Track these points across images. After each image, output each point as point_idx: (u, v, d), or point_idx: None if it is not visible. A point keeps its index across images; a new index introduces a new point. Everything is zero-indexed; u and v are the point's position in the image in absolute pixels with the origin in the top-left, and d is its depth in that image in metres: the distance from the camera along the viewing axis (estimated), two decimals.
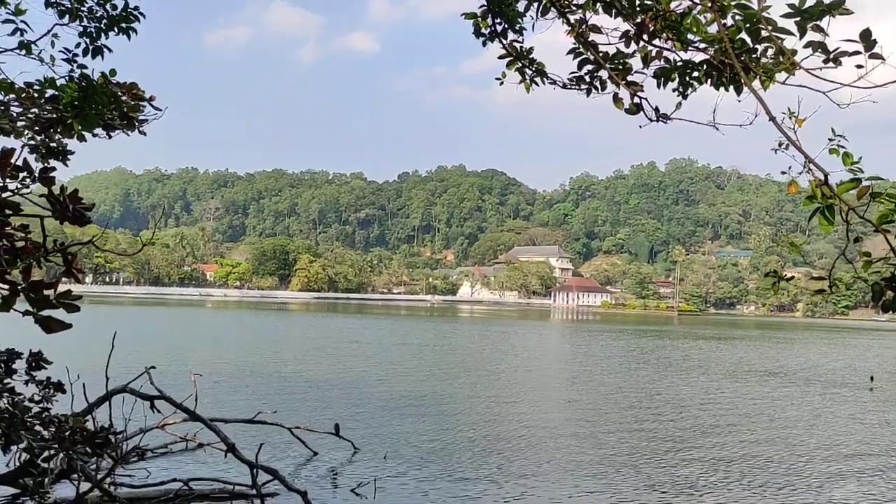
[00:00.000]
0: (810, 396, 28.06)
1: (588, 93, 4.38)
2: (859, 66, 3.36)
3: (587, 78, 4.32)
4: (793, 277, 4.07)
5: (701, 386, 29.99)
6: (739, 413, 22.90)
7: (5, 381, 6.45)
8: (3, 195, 4.64)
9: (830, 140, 3.43)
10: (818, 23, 3.40)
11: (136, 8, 6.05)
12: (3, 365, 6.70)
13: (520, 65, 4.52)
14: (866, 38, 3.33)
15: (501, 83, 4.65)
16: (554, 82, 4.48)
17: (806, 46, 3.48)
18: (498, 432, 17.96)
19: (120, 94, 5.70)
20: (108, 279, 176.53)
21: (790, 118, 3.47)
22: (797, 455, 16.75)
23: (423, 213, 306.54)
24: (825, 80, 3.42)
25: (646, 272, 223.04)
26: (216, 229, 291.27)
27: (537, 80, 4.54)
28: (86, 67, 5.77)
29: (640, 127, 4.31)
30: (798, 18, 3.42)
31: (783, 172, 3.54)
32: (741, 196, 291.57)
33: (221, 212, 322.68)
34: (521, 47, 4.49)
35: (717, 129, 3.94)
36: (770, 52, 3.71)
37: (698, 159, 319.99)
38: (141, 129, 6.23)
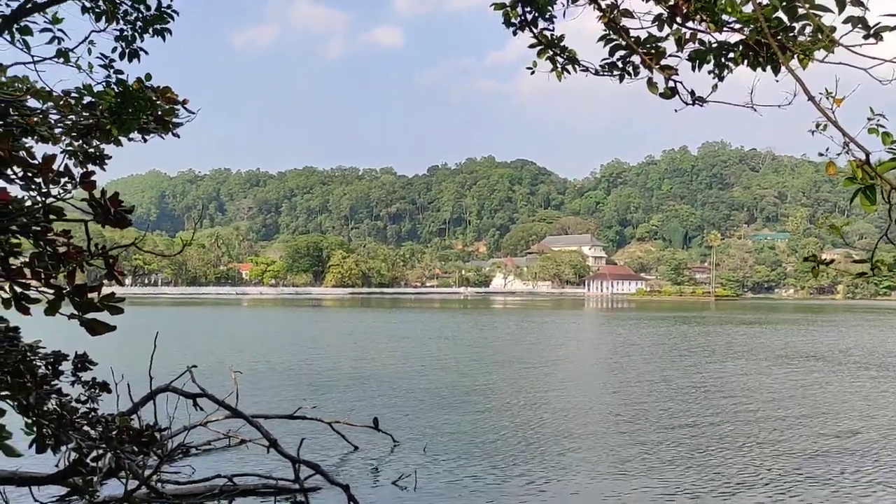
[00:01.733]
0: (860, 381, 27.51)
1: (621, 79, 4.33)
2: None
3: (619, 63, 4.28)
4: (832, 261, 3.98)
5: (747, 373, 29.59)
6: (790, 400, 22.53)
7: (52, 382, 6.57)
8: (46, 201, 4.73)
9: (870, 119, 3.35)
10: None
11: (168, 6, 6.12)
12: (50, 367, 6.83)
13: (551, 53, 4.48)
14: None
15: (532, 72, 4.62)
16: (586, 69, 4.43)
17: (845, 22, 3.40)
18: (539, 424, 17.92)
19: (154, 98, 5.77)
20: (146, 280, 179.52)
21: (828, 98, 3.38)
22: (856, 443, 16.46)
23: (453, 206, 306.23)
24: (866, 56, 3.33)
25: (681, 258, 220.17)
26: (250, 228, 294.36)
27: (569, 67, 4.50)
28: (122, 72, 5.85)
29: (676, 111, 4.24)
30: None
31: (821, 154, 3.45)
32: (776, 178, 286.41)
33: (255, 211, 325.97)
34: (552, 35, 4.46)
35: (755, 110, 3.87)
36: (808, 29, 3.63)
37: (731, 142, 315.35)
38: (175, 131, 6.31)
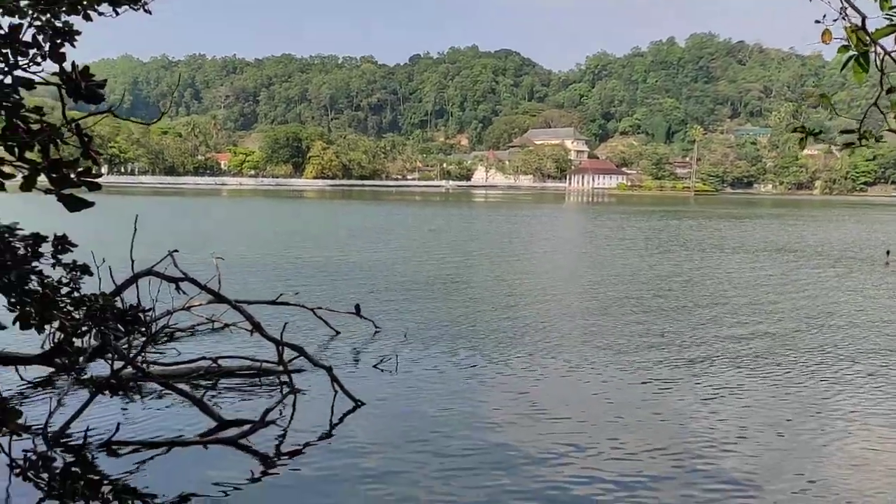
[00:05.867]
0: (828, 270, 28.17)
1: None
2: None
3: None
4: (821, 132, 3.95)
5: (719, 264, 30.18)
6: (761, 291, 23.08)
7: (33, 263, 6.55)
8: (15, 72, 4.57)
9: None
10: None
11: None
12: (29, 248, 6.78)
13: None
14: None
15: None
16: None
17: None
18: (515, 312, 18.31)
19: None
20: (122, 170, 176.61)
21: None
22: (818, 331, 17.01)
23: (435, 97, 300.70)
24: None
25: (662, 153, 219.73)
26: (227, 117, 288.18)
27: None
28: None
29: None
30: None
31: (817, 21, 3.37)
32: (763, 72, 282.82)
33: (232, 99, 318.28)
34: None
35: None
36: None
37: (720, 34, 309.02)
38: (147, 7, 6.04)
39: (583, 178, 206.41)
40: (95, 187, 4.37)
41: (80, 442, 8.25)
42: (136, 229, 9.52)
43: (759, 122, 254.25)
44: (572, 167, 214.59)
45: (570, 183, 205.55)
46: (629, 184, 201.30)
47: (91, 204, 4.40)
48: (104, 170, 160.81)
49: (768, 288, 23.47)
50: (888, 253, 33.79)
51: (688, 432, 9.45)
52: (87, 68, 4.65)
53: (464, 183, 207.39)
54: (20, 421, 5.41)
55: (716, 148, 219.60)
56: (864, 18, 3.14)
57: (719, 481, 7.89)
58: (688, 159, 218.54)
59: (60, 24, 6.03)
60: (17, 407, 5.46)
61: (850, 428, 9.81)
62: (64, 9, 5.91)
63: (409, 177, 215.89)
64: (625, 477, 7.96)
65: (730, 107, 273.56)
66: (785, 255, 34.24)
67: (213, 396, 10.37)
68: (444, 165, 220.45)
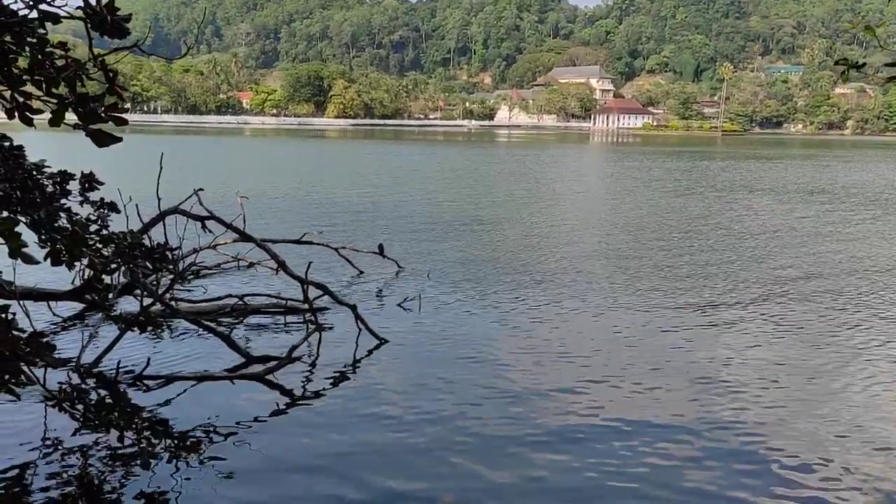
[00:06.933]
0: (862, 213, 27.73)
1: None
2: None
3: None
4: (864, 64, 3.81)
5: (750, 207, 29.76)
6: (793, 234, 22.76)
7: (61, 201, 6.60)
8: (39, 6, 4.51)
9: None
10: None
11: None
12: (57, 186, 6.82)
13: None
14: None
15: None
16: None
17: None
18: (540, 254, 18.27)
19: None
20: (146, 108, 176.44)
21: None
22: (853, 276, 16.82)
23: (458, 34, 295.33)
24: None
25: (690, 91, 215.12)
26: (248, 55, 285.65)
27: None
28: None
29: None
30: None
31: None
32: (796, 6, 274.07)
33: (253, 37, 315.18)
34: None
35: None
36: None
37: None
38: None
39: (607, 117, 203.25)
40: (122, 122, 4.35)
41: (112, 376, 8.45)
42: (161, 167, 9.54)
43: (791, 60, 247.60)
44: (597, 106, 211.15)
45: (594, 122, 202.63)
46: (654, 124, 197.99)
47: (119, 139, 4.39)
48: (127, 106, 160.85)
49: (800, 231, 23.16)
50: None
51: (717, 377, 9.43)
52: (112, 1, 4.58)
53: (486, 122, 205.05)
54: (54, 355, 5.54)
55: (745, 86, 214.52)
56: None
57: (746, 427, 7.88)
58: (716, 98, 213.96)
59: None
60: (50, 341, 5.58)
61: (885, 376, 9.73)
62: None
63: (431, 116, 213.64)
64: (651, 422, 7.98)
65: (761, 44, 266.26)
66: (817, 197, 33.70)
67: (239, 333, 10.53)
68: (467, 104, 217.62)
